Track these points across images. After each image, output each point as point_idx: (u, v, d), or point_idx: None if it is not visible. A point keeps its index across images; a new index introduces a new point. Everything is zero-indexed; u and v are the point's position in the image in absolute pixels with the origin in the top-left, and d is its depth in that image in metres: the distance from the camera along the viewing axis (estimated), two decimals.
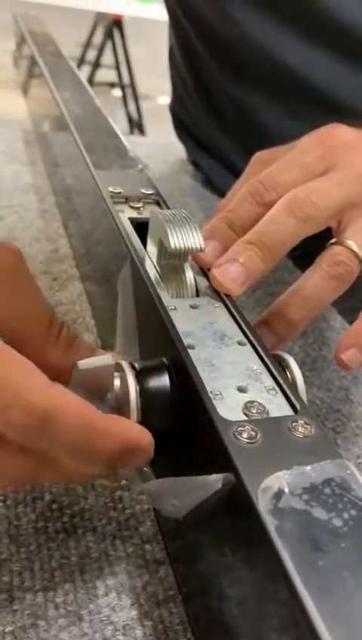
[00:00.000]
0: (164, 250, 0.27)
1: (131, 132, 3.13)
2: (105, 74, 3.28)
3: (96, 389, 0.22)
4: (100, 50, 3.15)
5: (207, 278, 0.28)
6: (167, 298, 0.26)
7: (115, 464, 0.20)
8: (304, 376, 0.38)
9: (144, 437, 0.20)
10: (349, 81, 0.45)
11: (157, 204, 0.35)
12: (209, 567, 0.21)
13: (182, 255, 0.27)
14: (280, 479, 0.17)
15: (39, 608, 0.22)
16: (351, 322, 0.46)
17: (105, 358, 0.22)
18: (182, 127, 0.64)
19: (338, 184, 0.29)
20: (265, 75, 0.48)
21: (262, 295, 0.46)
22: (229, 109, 0.53)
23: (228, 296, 0.27)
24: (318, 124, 0.33)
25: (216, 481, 0.18)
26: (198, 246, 0.26)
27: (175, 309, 0.26)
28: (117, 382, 0.22)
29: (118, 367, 0.22)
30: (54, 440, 0.18)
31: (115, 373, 0.22)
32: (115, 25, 3.08)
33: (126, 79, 3.16)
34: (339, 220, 0.29)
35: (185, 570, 0.24)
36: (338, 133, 0.32)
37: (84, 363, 0.22)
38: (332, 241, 0.29)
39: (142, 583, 0.23)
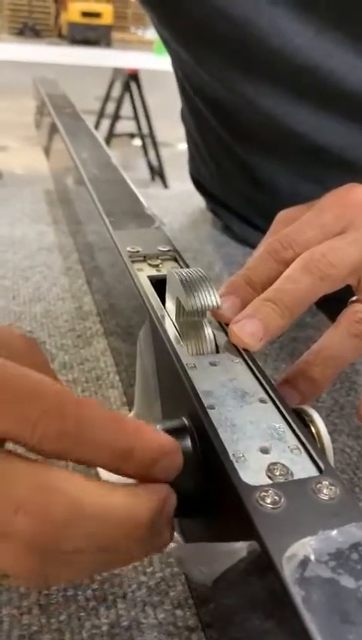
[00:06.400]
0: (181, 308, 0.28)
1: (153, 179, 3.20)
2: (125, 125, 3.39)
3: None
4: (119, 103, 3.27)
5: (226, 333, 0.28)
6: (186, 356, 0.26)
7: (147, 473, 0.20)
8: (332, 424, 0.37)
9: (171, 442, 0.21)
10: (361, 143, 0.45)
11: (175, 260, 0.35)
12: (239, 635, 0.21)
13: (200, 313, 0.28)
14: (306, 546, 0.17)
15: None
16: None
17: None
18: (199, 184, 0.65)
19: (355, 243, 0.29)
20: (276, 142, 0.48)
21: (286, 340, 0.46)
22: (241, 175, 0.54)
23: (247, 351, 0.27)
24: (332, 185, 0.33)
25: (240, 549, 0.18)
26: (215, 304, 0.27)
27: (194, 366, 0.26)
28: None
29: None
30: (89, 445, 0.19)
31: None
32: (131, 78, 3.21)
33: (145, 129, 3.26)
34: (359, 278, 0.30)
35: (217, 637, 0.23)
36: (355, 193, 0.32)
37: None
38: (353, 298, 0.29)
39: None
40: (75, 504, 0.18)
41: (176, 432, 0.23)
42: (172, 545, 0.22)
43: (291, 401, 0.27)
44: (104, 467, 0.20)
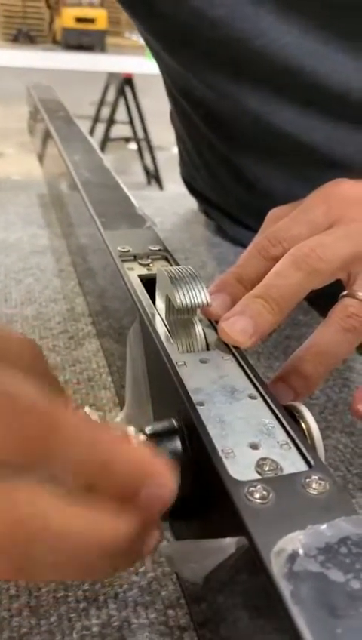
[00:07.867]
0: (171, 306, 0.28)
1: (148, 182, 3.21)
2: (121, 129, 3.40)
3: None
4: (114, 108, 3.28)
5: (217, 331, 0.28)
6: (176, 354, 0.26)
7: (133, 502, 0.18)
8: (326, 420, 0.37)
9: (159, 461, 0.18)
10: (349, 141, 0.45)
11: (166, 259, 0.35)
12: (231, 632, 0.20)
13: (189, 310, 0.27)
14: (294, 540, 0.17)
15: None
16: None
17: None
18: (191, 186, 0.65)
19: (343, 238, 0.29)
20: (265, 143, 0.48)
21: (279, 338, 0.46)
22: (232, 177, 0.54)
23: (237, 348, 0.27)
24: (322, 182, 0.33)
25: (229, 545, 0.18)
26: (205, 301, 0.27)
27: (184, 364, 0.26)
28: None
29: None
30: (58, 457, 0.17)
31: None
32: (126, 83, 3.22)
33: (140, 133, 3.27)
34: (349, 273, 0.30)
35: (209, 636, 0.23)
36: (342, 188, 0.32)
37: None
38: (344, 293, 0.29)
39: None
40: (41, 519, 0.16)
41: (164, 434, 0.23)
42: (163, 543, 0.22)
43: (284, 398, 0.27)
44: (78, 485, 0.17)
